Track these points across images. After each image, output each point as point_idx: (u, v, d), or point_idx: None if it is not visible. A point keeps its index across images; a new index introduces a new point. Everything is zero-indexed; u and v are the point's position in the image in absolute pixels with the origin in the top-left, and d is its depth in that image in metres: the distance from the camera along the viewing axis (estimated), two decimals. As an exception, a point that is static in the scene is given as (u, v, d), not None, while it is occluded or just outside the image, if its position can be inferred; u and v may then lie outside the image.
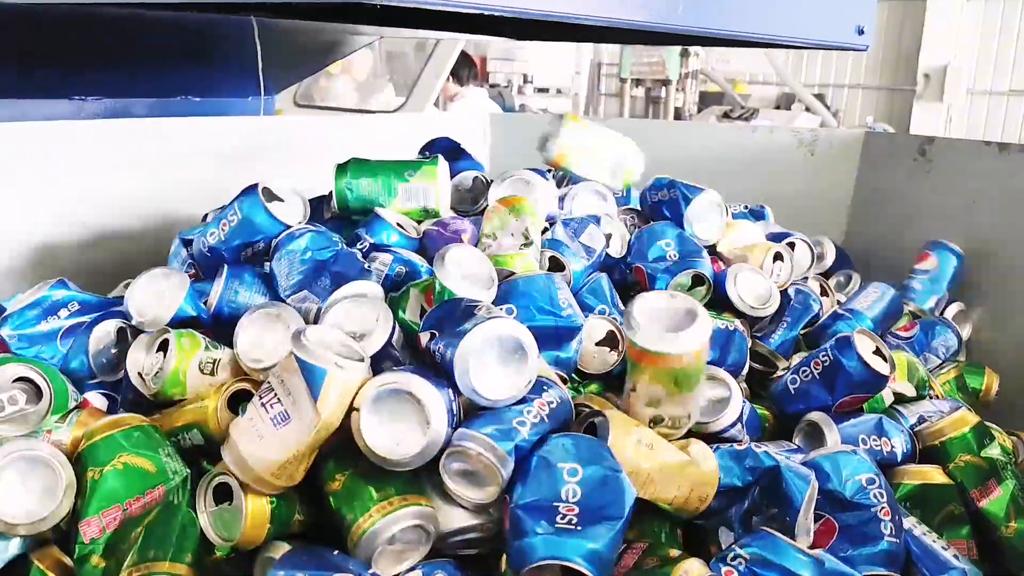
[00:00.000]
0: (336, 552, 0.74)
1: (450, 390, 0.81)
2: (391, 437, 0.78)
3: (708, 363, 1.00)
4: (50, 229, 1.41)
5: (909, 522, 0.90)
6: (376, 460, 0.78)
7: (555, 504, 0.75)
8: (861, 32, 1.50)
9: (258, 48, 1.71)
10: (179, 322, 1.02)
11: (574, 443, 0.79)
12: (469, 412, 0.84)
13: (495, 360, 0.82)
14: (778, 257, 1.27)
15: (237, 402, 0.91)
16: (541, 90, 7.68)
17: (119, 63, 1.71)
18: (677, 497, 0.84)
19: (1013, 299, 1.45)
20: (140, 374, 0.98)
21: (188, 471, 0.85)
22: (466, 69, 4.68)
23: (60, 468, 0.79)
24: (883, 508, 0.85)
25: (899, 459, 1.00)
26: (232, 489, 0.81)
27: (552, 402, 0.85)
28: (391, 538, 0.76)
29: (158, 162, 1.56)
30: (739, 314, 1.17)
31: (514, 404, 0.83)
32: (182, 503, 0.82)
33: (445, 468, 0.79)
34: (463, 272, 0.95)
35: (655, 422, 0.88)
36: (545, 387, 0.87)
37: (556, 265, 1.12)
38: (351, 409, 0.78)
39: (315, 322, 0.98)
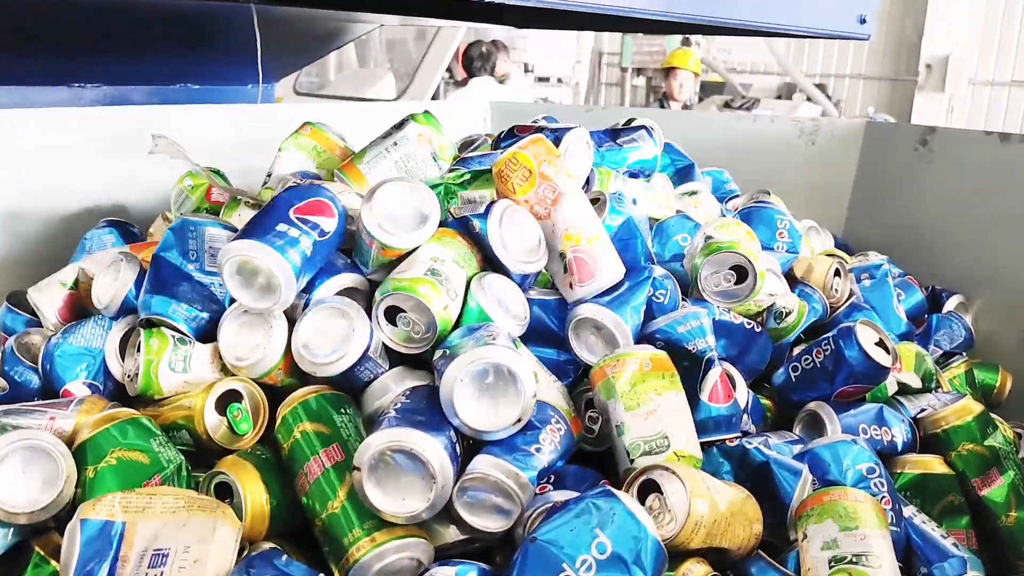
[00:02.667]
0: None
1: (451, 431, 0.79)
2: (396, 494, 0.75)
3: (723, 359, 0.99)
4: (42, 215, 1.41)
5: (909, 511, 0.90)
6: (385, 518, 0.75)
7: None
8: (863, 21, 1.50)
9: (257, 36, 1.70)
10: (130, 309, 1.02)
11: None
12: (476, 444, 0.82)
13: (483, 388, 0.79)
14: (838, 273, 1.25)
15: (225, 403, 0.90)
16: (542, 79, 7.65)
17: (118, 50, 1.71)
18: (744, 538, 0.80)
19: (1014, 291, 1.45)
20: (127, 375, 0.98)
21: (182, 458, 0.85)
22: (480, 60, 4.69)
23: (61, 457, 0.79)
24: (883, 497, 0.86)
25: (899, 449, 1.00)
26: (233, 487, 0.81)
27: (560, 428, 0.84)
28: (380, 570, 0.75)
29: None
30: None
31: (527, 430, 0.80)
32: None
33: (459, 498, 0.77)
34: (499, 299, 0.93)
35: None
36: (551, 411, 0.85)
37: None
38: (353, 468, 0.75)
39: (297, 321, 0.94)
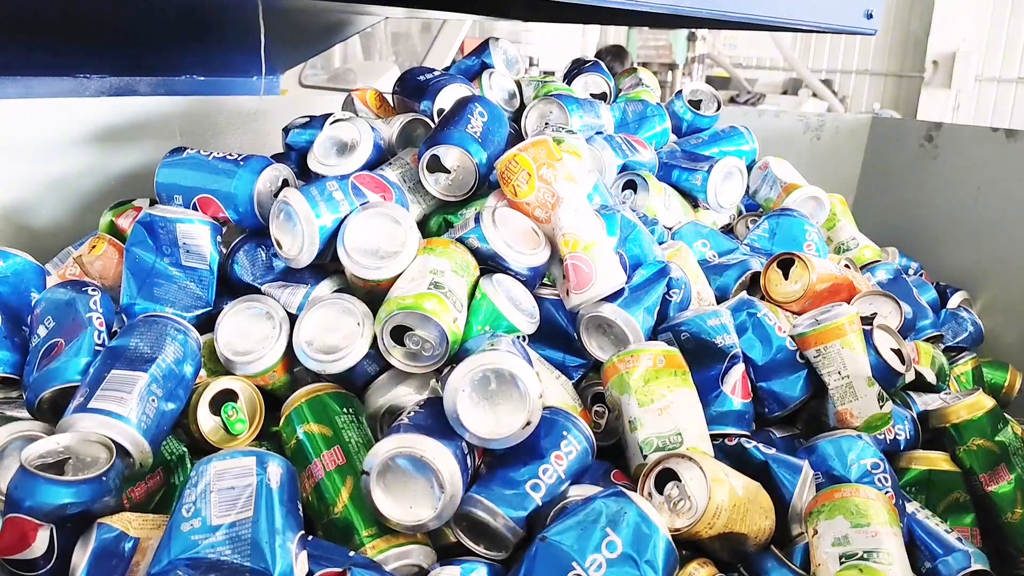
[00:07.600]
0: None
1: (462, 442, 0.77)
2: (404, 501, 0.74)
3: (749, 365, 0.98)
4: (48, 206, 1.41)
5: (912, 506, 0.90)
6: (391, 526, 0.75)
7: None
8: (870, 16, 1.49)
9: (262, 27, 1.70)
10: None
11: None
12: (484, 460, 0.81)
13: (487, 396, 0.77)
14: (847, 268, 1.24)
15: (219, 404, 0.88)
16: (547, 73, 7.63)
17: (123, 41, 1.70)
18: (760, 527, 0.79)
19: (1018, 287, 1.44)
20: None
21: (184, 449, 0.85)
22: (617, 62, 4.68)
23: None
24: (887, 492, 0.85)
25: (901, 447, 1.00)
26: None
27: (570, 452, 0.81)
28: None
29: (159, 141, 1.55)
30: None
31: (529, 460, 0.79)
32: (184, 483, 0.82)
33: (456, 524, 0.77)
34: (510, 295, 0.92)
35: None
36: (564, 431, 0.82)
37: None
38: (362, 472, 0.75)
39: (298, 313, 0.93)
